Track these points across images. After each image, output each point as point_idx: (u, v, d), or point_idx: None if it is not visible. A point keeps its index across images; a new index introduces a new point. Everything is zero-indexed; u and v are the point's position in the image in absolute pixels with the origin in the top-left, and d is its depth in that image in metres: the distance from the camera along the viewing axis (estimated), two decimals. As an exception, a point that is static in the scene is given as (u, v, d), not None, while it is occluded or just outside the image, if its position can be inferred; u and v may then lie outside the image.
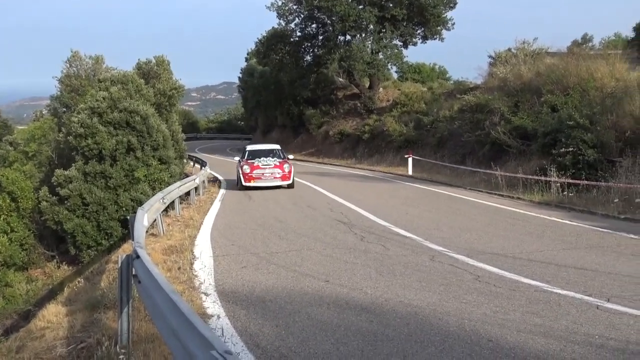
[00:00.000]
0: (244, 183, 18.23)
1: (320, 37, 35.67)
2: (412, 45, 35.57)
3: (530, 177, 15.76)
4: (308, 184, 20.01)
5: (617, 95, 15.95)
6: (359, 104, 35.63)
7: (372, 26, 33.19)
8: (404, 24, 34.06)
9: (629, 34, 29.39)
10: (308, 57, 37.19)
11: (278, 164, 18.52)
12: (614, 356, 4.51)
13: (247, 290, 6.57)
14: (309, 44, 36.56)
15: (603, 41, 32.10)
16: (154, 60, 29.68)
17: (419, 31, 35.23)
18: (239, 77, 51.43)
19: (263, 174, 18.19)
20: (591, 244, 9.24)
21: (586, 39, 31.77)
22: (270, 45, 37.10)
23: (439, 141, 24.24)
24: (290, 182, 18.44)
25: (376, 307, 5.83)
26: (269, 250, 8.85)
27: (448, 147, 23.40)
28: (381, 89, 36.29)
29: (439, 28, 34.67)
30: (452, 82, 36.28)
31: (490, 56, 26.65)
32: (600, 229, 10.53)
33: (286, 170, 18.35)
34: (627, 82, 16.47)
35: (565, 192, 14.38)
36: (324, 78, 37.47)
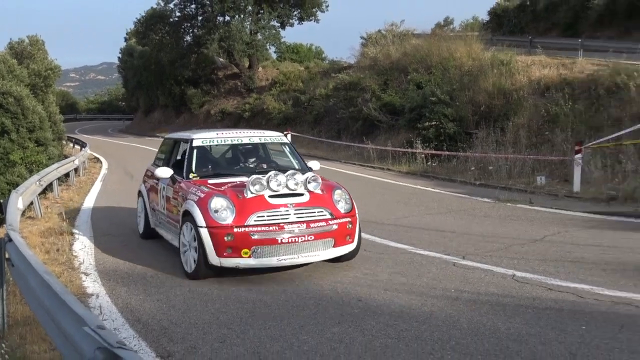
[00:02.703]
0: (213, 260, 5.53)
1: (200, 18, 34.72)
2: (289, 26, 35.62)
3: (398, 149, 16.36)
4: None
5: (473, 73, 16.82)
6: (239, 84, 35.27)
7: (250, 7, 32.77)
8: (281, 5, 33.97)
9: (485, 17, 31.00)
10: (188, 38, 36.11)
11: (313, 187, 5.95)
12: (467, 307, 4.84)
13: (128, 268, 6.41)
14: (189, 24, 35.48)
15: (462, 24, 33.50)
16: (27, 40, 27.71)
17: (295, 12, 35.25)
18: (119, 58, 49.09)
19: (282, 226, 5.54)
20: (451, 208, 9.79)
21: (448, 22, 33.04)
22: (150, 26, 35.64)
23: (316, 118, 24.53)
24: (354, 245, 6.07)
25: (255, 277, 5.88)
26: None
27: (324, 123, 23.75)
28: (260, 69, 36.07)
29: (314, 10, 34.90)
30: (327, 61, 36.58)
31: (362, 37, 27.17)
32: (459, 195, 11.17)
33: (342, 207, 5.99)
34: (482, 61, 17.36)
35: (429, 163, 15.10)
36: (204, 58, 36.59)
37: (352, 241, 6.02)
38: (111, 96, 68.55)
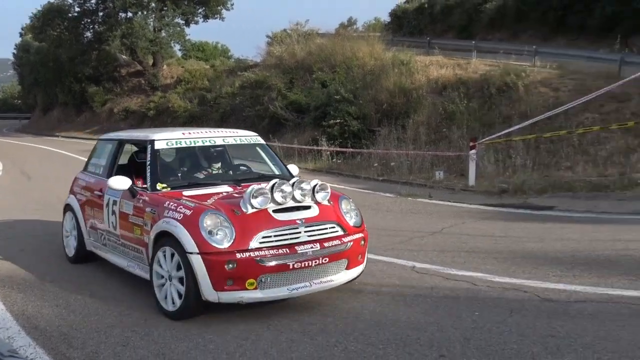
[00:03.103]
0: (208, 295, 4.30)
1: (101, 14, 33.36)
2: (194, 24, 34.92)
3: (304, 147, 16.49)
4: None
5: (375, 72, 17.21)
6: (143, 81, 34.25)
7: (153, 4, 31.91)
8: (185, 2, 33.27)
9: (386, 18, 31.77)
10: (88, 34, 34.58)
11: (322, 198, 4.90)
12: (370, 298, 4.96)
13: (25, 274, 6.06)
14: (89, 20, 34.01)
15: (365, 24, 34.17)
16: None
17: (200, 10, 34.63)
18: (14, 54, 46.45)
19: (293, 248, 4.44)
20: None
21: (351, 22, 33.55)
22: (47, 21, 33.86)
23: (222, 116, 24.26)
24: (364, 265, 5.11)
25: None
26: (49, 231, 8.23)
27: (231, 121, 23.52)
28: (165, 67, 35.21)
29: (219, 8, 34.40)
30: (233, 60, 36.29)
31: (267, 36, 27.13)
32: (363, 190, 11.43)
33: (352, 220, 5.02)
34: (383, 61, 17.81)
35: (335, 160, 15.32)
36: (106, 55, 35.23)
37: (363, 261, 5.08)
38: (5, 94, 64.61)
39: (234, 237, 4.35)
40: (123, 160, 6.29)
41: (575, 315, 4.34)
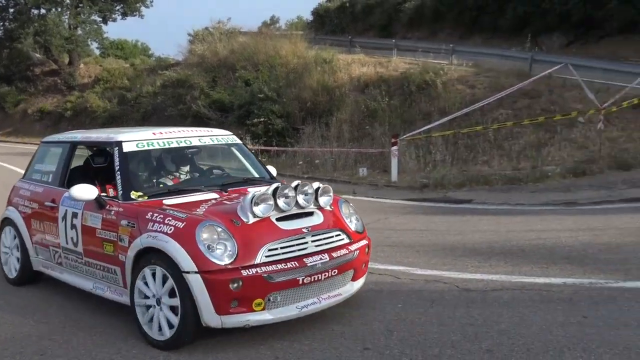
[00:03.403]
0: (210, 320, 3.72)
1: (12, 10, 31.81)
2: (112, 21, 33.94)
3: (229, 146, 16.32)
4: (6, 165, 17.47)
5: (298, 70, 17.27)
6: (59, 81, 32.90)
7: (68, 0, 30.79)
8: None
9: (309, 17, 31.95)
10: (-1, 31, 33.05)
11: (325, 203, 4.46)
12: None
13: None
14: (-1, 17, 32.49)
15: (288, 23, 34.27)
16: None
17: (118, 7, 33.66)
18: None
19: (302, 260, 3.93)
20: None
21: (274, 21, 33.58)
22: (-48, 17, 32.07)
23: (144, 116, 23.69)
24: (366, 274, 4.71)
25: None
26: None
27: (153, 121, 23.00)
28: (82, 65, 33.98)
29: (137, 5, 33.56)
30: (154, 58, 35.52)
31: (189, 34, 26.63)
32: (289, 189, 11.44)
33: (354, 225, 4.61)
34: (306, 59, 17.88)
35: (260, 158, 15.18)
36: (18, 53, 33.57)
37: (367, 269, 4.70)
38: None
39: (236, 251, 3.78)
40: (86, 164, 5.57)
41: (492, 303, 4.53)
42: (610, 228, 6.58)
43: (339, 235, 4.33)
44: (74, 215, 4.73)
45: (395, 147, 11.32)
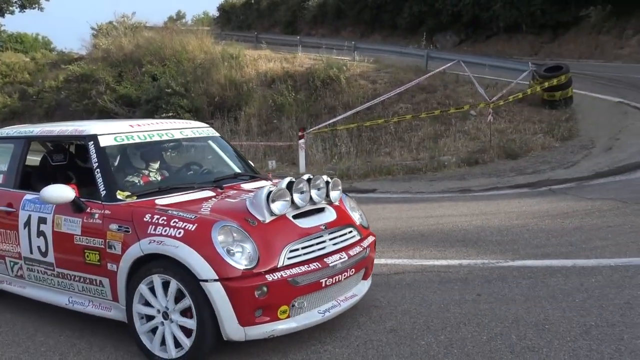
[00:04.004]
0: (232, 333, 3.25)
1: None
2: (10, 13, 32.09)
3: (137, 141, 15.83)
4: None
5: (206, 66, 16.96)
6: (-48, 75, 30.63)
7: (-41, -9, 28.76)
8: (-2, -10, 30.42)
9: (215, 13, 31.45)
10: None
11: (335, 197, 4.03)
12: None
13: None
14: None
15: (194, 18, 33.60)
16: None
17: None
18: None
19: (323, 261, 3.55)
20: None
21: (180, 16, 32.84)
22: None
23: (47, 111, 22.48)
24: (371, 277, 4.30)
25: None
26: None
27: (57, 116, 21.83)
28: (-22, 59, 31.80)
29: (37, -3, 31.89)
30: (56, 52, 33.71)
31: (92, 28, 25.56)
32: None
33: (360, 220, 4.27)
34: (213, 54, 17.60)
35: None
36: None
37: (372, 267, 4.36)
38: None
39: (257, 254, 3.33)
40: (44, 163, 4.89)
41: (395, 286, 4.68)
42: (500, 212, 6.94)
43: (351, 231, 3.98)
44: (42, 220, 4.05)
45: (302, 140, 11.39)
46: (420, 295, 4.43)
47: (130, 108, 18.06)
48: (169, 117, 15.36)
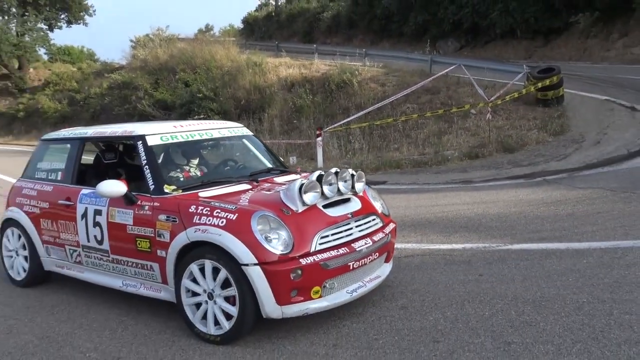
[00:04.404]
0: (271, 311, 3.34)
1: (-40, 18, 29.76)
2: (58, 29, 32.40)
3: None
4: None
5: (232, 72, 17.02)
6: (10, 84, 31.00)
7: (14, 9, 28.98)
8: (47, 8, 30.62)
9: (240, 25, 31.45)
10: (-53, 38, 30.68)
11: (360, 188, 4.03)
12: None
13: None
14: (-53, 25, 30.16)
15: (221, 30, 33.60)
16: None
17: (63, 16, 32.08)
18: None
19: (351, 246, 3.60)
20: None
21: (208, 28, 32.89)
22: None
23: (93, 115, 22.72)
24: (392, 260, 4.33)
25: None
26: None
27: (101, 120, 22.08)
28: (32, 70, 32.16)
29: (81, 14, 32.11)
30: (99, 62, 33.99)
31: (131, 40, 25.69)
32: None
33: (382, 208, 4.29)
34: (239, 62, 17.63)
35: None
36: (-33, 59, 31.44)
37: (394, 251, 4.37)
38: None
39: (292, 240, 3.37)
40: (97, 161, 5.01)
41: (405, 267, 4.69)
42: (499, 201, 6.89)
43: (375, 219, 3.98)
44: (97, 212, 4.11)
45: (319, 138, 11.38)
46: (428, 275, 4.43)
47: (166, 111, 18.18)
48: (200, 119, 15.44)
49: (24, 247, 4.83)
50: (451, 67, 13.60)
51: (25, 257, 4.82)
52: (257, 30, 29.88)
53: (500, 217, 6.07)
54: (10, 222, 4.95)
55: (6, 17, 29.17)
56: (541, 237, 5.19)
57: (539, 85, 12.10)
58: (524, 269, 4.37)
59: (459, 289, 4.07)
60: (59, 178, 4.67)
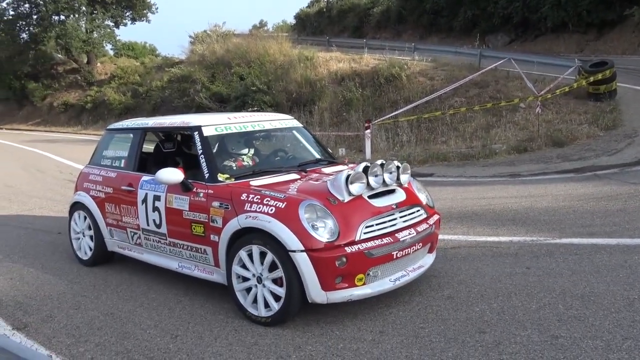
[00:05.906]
0: (316, 296, 3.33)
1: (35, 17, 30.99)
2: (123, 25, 33.40)
3: (227, 131, 16.17)
4: (38, 151, 17.26)
5: (285, 66, 17.10)
6: (79, 77, 32.24)
7: (84, 8, 30.07)
8: (114, 7, 31.62)
9: (292, 20, 31.55)
10: (24, 35, 32.10)
11: (405, 180, 3.99)
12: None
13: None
14: (24, 23, 31.48)
15: (274, 26, 33.78)
16: None
17: (128, 13, 33.05)
18: (-48, 54, 42.28)
19: (395, 236, 3.56)
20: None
21: (262, 24, 33.08)
22: (-18, 23, 31.12)
23: (154, 107, 23.38)
24: (435, 251, 4.24)
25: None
26: None
27: (162, 111, 22.70)
28: (99, 64, 33.32)
29: (145, 11, 32.99)
30: (160, 57, 34.86)
31: (190, 36, 26.22)
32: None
33: (427, 200, 4.19)
34: (291, 57, 17.69)
35: (254, 142, 15.16)
36: (42, 54, 32.74)
37: (437, 242, 4.33)
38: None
39: (338, 229, 3.36)
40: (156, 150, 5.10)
41: (451, 258, 4.60)
42: (547, 195, 6.67)
43: (419, 210, 3.91)
44: (156, 198, 4.21)
45: (368, 131, 11.31)
46: (475, 267, 4.34)
47: (222, 104, 18.48)
48: (253, 111, 15.63)
49: (89, 228, 5.03)
50: (500, 62, 13.21)
51: (91, 237, 5.01)
52: (308, 25, 29.89)
53: (549, 211, 5.87)
54: (78, 206, 5.15)
55: (77, 15, 30.27)
56: (591, 232, 4.99)
57: (591, 79, 11.59)
58: (572, 264, 4.22)
59: (505, 282, 3.97)
60: (122, 165, 4.82)
